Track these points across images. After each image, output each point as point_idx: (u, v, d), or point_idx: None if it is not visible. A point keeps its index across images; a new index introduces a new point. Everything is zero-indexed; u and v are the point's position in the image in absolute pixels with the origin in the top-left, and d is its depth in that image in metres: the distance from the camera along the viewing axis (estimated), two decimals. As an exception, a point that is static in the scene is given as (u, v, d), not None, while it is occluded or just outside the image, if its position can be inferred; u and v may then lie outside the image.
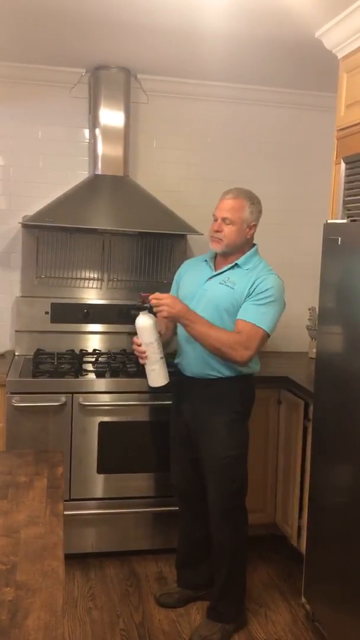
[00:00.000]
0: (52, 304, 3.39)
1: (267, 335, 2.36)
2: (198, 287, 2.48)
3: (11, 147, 3.41)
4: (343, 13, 2.37)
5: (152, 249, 3.54)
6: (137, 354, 2.40)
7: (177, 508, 2.73)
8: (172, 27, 2.60)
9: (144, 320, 2.35)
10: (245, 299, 2.36)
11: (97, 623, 2.54)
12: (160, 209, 3.28)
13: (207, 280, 2.48)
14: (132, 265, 3.53)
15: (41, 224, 3.20)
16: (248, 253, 2.46)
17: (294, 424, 2.92)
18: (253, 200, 2.42)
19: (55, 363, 3.09)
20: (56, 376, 2.92)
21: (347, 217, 2.50)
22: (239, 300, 2.37)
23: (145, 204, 3.28)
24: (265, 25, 2.53)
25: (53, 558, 1.42)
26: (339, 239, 2.30)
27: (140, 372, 3.05)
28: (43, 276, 3.44)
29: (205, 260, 2.57)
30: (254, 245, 2.51)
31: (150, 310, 2.34)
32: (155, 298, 2.31)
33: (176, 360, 2.57)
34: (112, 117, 3.30)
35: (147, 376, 2.41)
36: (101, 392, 2.92)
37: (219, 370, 2.42)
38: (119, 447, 2.95)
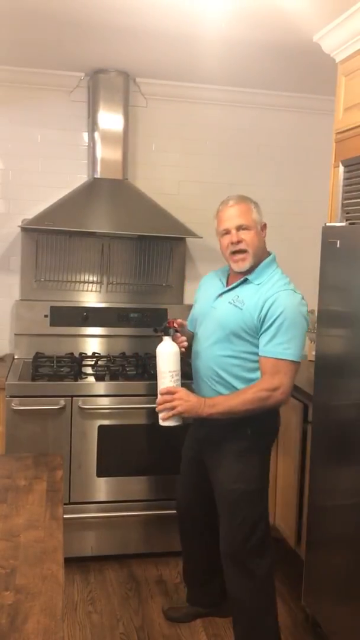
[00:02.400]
0: (52, 307, 3.40)
1: (295, 364, 2.12)
2: (208, 306, 2.31)
3: (10, 151, 3.41)
4: (341, 17, 2.38)
5: (151, 252, 3.55)
6: (164, 406, 2.14)
7: (176, 511, 2.72)
8: (171, 31, 2.61)
9: (169, 346, 2.16)
10: (257, 325, 2.14)
11: (96, 627, 2.53)
12: (159, 212, 3.28)
13: (217, 297, 2.29)
14: (131, 268, 3.54)
15: (40, 227, 3.20)
16: (262, 264, 2.24)
17: (293, 426, 2.92)
18: (252, 200, 2.27)
19: (55, 366, 3.09)
20: (55, 379, 2.92)
21: (346, 220, 2.51)
22: (249, 323, 2.15)
23: (144, 207, 3.29)
24: (263, 29, 2.54)
25: (52, 562, 1.42)
26: (338, 241, 2.31)
27: (140, 374, 3.06)
28: (42, 279, 3.45)
29: (219, 275, 2.38)
30: (270, 253, 2.30)
31: (174, 336, 2.19)
32: (166, 393, 2.13)
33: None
34: (111, 120, 3.31)
35: (162, 417, 2.16)
36: (100, 396, 2.92)
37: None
38: (119, 450, 2.95)
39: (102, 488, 2.94)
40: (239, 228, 2.19)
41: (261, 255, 2.24)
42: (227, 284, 2.31)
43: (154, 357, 3.39)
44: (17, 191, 3.43)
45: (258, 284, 2.20)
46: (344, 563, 2.25)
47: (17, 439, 2.82)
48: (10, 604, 1.26)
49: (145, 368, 3.12)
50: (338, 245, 2.31)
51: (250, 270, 2.22)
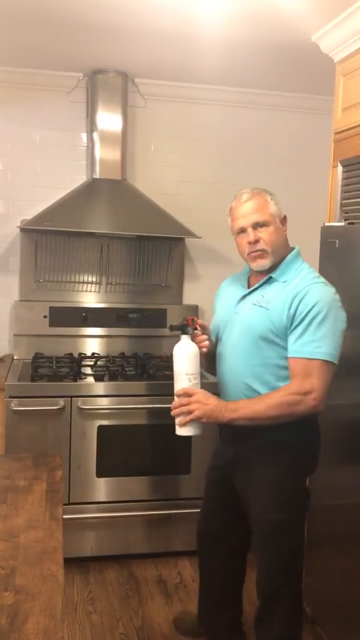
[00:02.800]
0: (51, 308, 3.40)
1: (330, 365, 1.85)
2: (230, 311, 2.06)
3: (9, 152, 3.41)
4: (339, 17, 2.38)
5: (150, 252, 3.55)
6: (180, 409, 1.91)
7: (175, 511, 2.72)
8: (169, 31, 2.61)
9: (188, 347, 1.94)
10: (287, 324, 1.88)
11: (96, 627, 2.53)
12: (158, 213, 3.28)
13: (240, 301, 2.05)
14: (130, 268, 3.54)
15: (39, 228, 3.20)
16: (287, 260, 2.00)
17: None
18: (268, 191, 2.03)
19: (54, 367, 3.09)
20: (55, 380, 2.92)
21: (345, 220, 2.51)
22: (278, 324, 1.89)
23: (143, 207, 3.29)
24: (261, 29, 2.54)
25: (52, 562, 1.42)
26: (337, 241, 2.31)
27: (139, 375, 3.06)
28: (41, 280, 3.45)
29: (239, 278, 2.16)
30: (293, 248, 2.05)
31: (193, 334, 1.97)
32: (182, 394, 1.90)
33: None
34: (109, 121, 3.31)
35: (178, 422, 1.93)
36: (100, 396, 2.92)
37: None
38: (118, 450, 2.95)
39: (102, 488, 2.95)
40: (256, 225, 1.95)
41: (283, 251, 2.00)
42: (249, 286, 2.07)
43: (154, 357, 3.40)
44: (16, 192, 3.43)
45: (284, 282, 1.95)
46: (344, 562, 2.25)
47: (16, 440, 2.82)
48: (10, 604, 1.26)
49: (145, 368, 3.13)
50: (337, 245, 2.31)
51: (273, 268, 1.99)
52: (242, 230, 1.98)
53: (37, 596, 1.29)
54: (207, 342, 2.03)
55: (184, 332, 1.95)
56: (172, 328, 2.02)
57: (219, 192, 3.61)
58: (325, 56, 2.63)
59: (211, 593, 2.28)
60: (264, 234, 1.95)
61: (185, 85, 3.46)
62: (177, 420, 1.93)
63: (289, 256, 2.01)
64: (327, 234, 2.39)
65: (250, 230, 1.95)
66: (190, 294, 3.66)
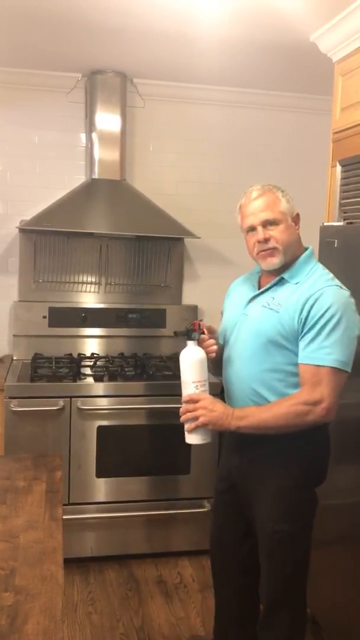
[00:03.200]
0: (50, 308, 3.40)
1: (341, 372, 1.76)
2: (238, 313, 1.96)
3: (8, 152, 3.41)
4: (337, 17, 2.38)
5: (149, 252, 3.55)
6: (186, 416, 1.85)
7: (176, 511, 2.72)
8: (168, 31, 2.61)
9: (194, 353, 1.86)
10: (298, 328, 1.79)
11: (96, 627, 2.53)
12: (157, 213, 3.28)
13: (249, 302, 1.95)
14: (130, 269, 3.54)
15: (38, 228, 3.20)
16: (299, 260, 1.90)
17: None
18: (280, 188, 1.93)
19: (53, 367, 3.09)
20: (54, 380, 2.92)
21: (344, 220, 2.51)
22: (288, 328, 1.80)
23: (142, 207, 3.29)
24: (260, 29, 2.54)
25: (52, 562, 1.42)
26: (336, 241, 2.31)
27: (138, 375, 3.06)
28: (40, 280, 3.45)
29: (249, 278, 2.05)
30: (307, 248, 1.96)
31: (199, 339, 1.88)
32: (188, 401, 1.84)
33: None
34: (108, 121, 3.31)
35: (186, 429, 1.87)
36: (99, 396, 2.92)
37: None
38: (118, 451, 2.95)
39: (102, 488, 2.95)
40: (266, 224, 1.85)
41: (295, 250, 1.90)
42: (259, 287, 1.97)
43: (153, 357, 3.40)
44: (15, 192, 3.43)
45: (296, 283, 1.85)
46: (343, 562, 2.25)
47: (16, 440, 2.82)
48: (10, 605, 1.26)
49: (144, 368, 3.13)
50: (336, 245, 2.31)
51: (284, 268, 1.89)
52: (252, 229, 1.88)
53: (37, 597, 1.29)
54: (214, 347, 1.95)
55: (190, 338, 1.87)
56: (177, 334, 1.95)
57: (218, 192, 3.62)
58: (324, 56, 2.63)
59: (228, 613, 2.14)
60: (275, 232, 1.85)
61: (184, 86, 3.46)
62: (185, 427, 1.88)
63: (302, 257, 1.91)
64: (326, 233, 2.39)
65: (260, 228, 1.86)
66: (190, 294, 3.66)
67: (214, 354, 1.95)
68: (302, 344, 1.79)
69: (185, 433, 1.88)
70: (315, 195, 3.38)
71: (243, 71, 3.18)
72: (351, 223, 2.45)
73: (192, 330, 1.87)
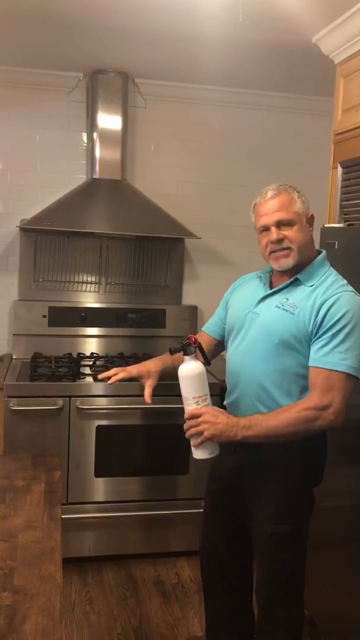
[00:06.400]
0: (50, 308, 3.40)
1: (353, 379, 1.73)
2: (247, 312, 1.92)
3: (9, 151, 3.41)
4: (340, 19, 2.38)
5: (149, 252, 3.55)
6: (190, 432, 1.81)
7: (174, 512, 2.72)
8: (170, 31, 2.61)
9: (192, 368, 1.81)
10: (312, 331, 1.77)
11: (94, 627, 2.54)
12: (157, 213, 3.28)
13: (260, 301, 1.91)
14: (130, 269, 3.54)
15: (39, 227, 3.21)
16: (314, 263, 1.87)
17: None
18: (295, 188, 1.92)
19: (53, 367, 3.09)
20: (54, 380, 2.92)
21: (344, 222, 2.51)
22: (302, 330, 1.77)
23: (142, 207, 3.29)
24: (262, 30, 2.54)
25: (51, 562, 1.43)
26: (336, 243, 2.31)
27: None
28: (41, 280, 3.45)
29: (260, 276, 2.01)
30: (320, 251, 1.94)
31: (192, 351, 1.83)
32: (190, 418, 1.80)
33: (225, 402, 2.02)
34: (109, 121, 3.31)
35: (192, 444, 1.84)
36: (98, 396, 2.92)
37: None
38: (117, 450, 2.95)
39: (100, 488, 2.95)
40: (280, 224, 1.83)
41: (309, 252, 1.88)
42: (271, 287, 1.94)
43: (152, 357, 3.40)
44: (15, 191, 3.43)
45: (311, 286, 1.82)
46: (341, 562, 2.26)
47: (15, 440, 2.82)
48: (9, 604, 1.26)
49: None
50: (336, 247, 2.31)
51: (298, 269, 1.86)
52: (265, 229, 1.85)
53: (35, 596, 1.29)
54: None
55: (186, 353, 1.83)
56: (172, 351, 1.89)
57: (219, 193, 3.62)
58: (326, 58, 2.63)
59: (218, 614, 2.13)
60: (289, 232, 1.83)
61: (186, 86, 3.46)
62: (191, 443, 1.85)
63: (318, 259, 1.89)
64: (327, 235, 2.39)
65: (273, 228, 1.83)
66: (190, 295, 3.66)
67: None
68: (314, 347, 1.76)
69: (192, 449, 1.85)
70: (315, 196, 3.37)
71: (245, 72, 3.18)
72: (352, 225, 2.45)
73: (188, 345, 1.83)
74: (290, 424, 1.73)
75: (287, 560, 1.88)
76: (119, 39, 2.76)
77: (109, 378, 2.16)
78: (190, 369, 1.82)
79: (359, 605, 2.12)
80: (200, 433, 1.79)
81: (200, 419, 1.79)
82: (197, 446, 1.83)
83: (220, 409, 1.84)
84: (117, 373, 2.16)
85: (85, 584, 2.84)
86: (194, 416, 1.80)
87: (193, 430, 1.80)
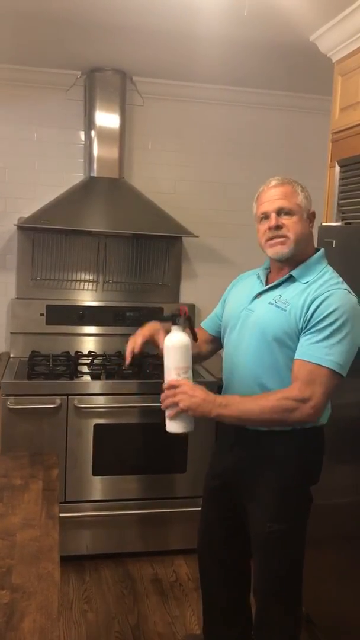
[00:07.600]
0: (48, 306, 3.39)
1: (336, 375, 1.72)
2: (243, 308, 1.93)
3: (6, 149, 3.41)
4: (337, 17, 2.38)
5: (147, 251, 3.55)
6: (167, 402, 1.81)
7: (172, 510, 2.73)
8: (168, 29, 2.61)
9: (177, 338, 1.82)
10: (302, 326, 1.76)
11: (92, 625, 2.54)
12: (155, 211, 3.28)
13: (255, 298, 1.91)
14: (127, 267, 3.54)
15: (36, 226, 3.20)
16: (311, 260, 1.87)
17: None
18: (300, 183, 1.91)
19: (51, 365, 3.09)
20: (51, 378, 2.92)
21: (342, 220, 2.51)
22: (293, 327, 1.77)
23: (140, 206, 3.29)
24: (260, 28, 2.54)
25: (48, 561, 1.43)
26: (334, 241, 2.31)
27: (136, 373, 3.06)
28: (38, 278, 3.44)
29: (258, 273, 2.00)
30: (318, 249, 1.93)
31: (184, 324, 1.84)
32: (168, 387, 1.80)
33: None
34: (107, 119, 3.30)
35: (167, 415, 1.83)
36: (96, 394, 2.92)
37: None
38: (114, 449, 2.95)
39: (98, 487, 2.95)
40: (280, 212, 1.82)
41: (306, 247, 1.87)
42: (267, 283, 1.94)
43: (151, 356, 3.40)
44: (13, 189, 3.42)
45: (305, 283, 1.82)
46: (338, 561, 2.26)
47: (12, 438, 2.82)
48: (6, 603, 1.26)
49: (141, 367, 3.12)
50: (334, 245, 2.31)
51: (294, 265, 1.85)
52: (265, 217, 1.84)
53: (33, 595, 1.29)
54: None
55: (175, 323, 1.83)
56: (161, 318, 1.92)
57: (217, 191, 3.62)
58: (324, 56, 2.63)
59: (215, 610, 2.14)
60: (288, 221, 1.81)
61: (184, 84, 3.46)
62: (166, 414, 1.84)
63: (314, 257, 1.88)
64: (324, 234, 2.39)
65: (273, 215, 1.82)
66: (187, 293, 3.66)
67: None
68: (302, 340, 1.76)
69: (166, 420, 1.84)
70: (313, 195, 3.38)
71: (242, 70, 3.17)
72: (349, 223, 2.45)
73: (177, 315, 1.83)
74: (266, 411, 1.73)
75: (284, 558, 1.89)
76: (116, 37, 2.75)
77: (133, 356, 2.07)
78: (176, 340, 1.82)
79: (357, 603, 2.12)
80: (176, 404, 1.78)
81: (177, 390, 1.78)
82: (172, 418, 1.82)
83: (199, 385, 1.82)
84: (134, 347, 2.06)
85: (83, 582, 2.84)
86: (172, 387, 1.80)
87: (169, 401, 1.79)
